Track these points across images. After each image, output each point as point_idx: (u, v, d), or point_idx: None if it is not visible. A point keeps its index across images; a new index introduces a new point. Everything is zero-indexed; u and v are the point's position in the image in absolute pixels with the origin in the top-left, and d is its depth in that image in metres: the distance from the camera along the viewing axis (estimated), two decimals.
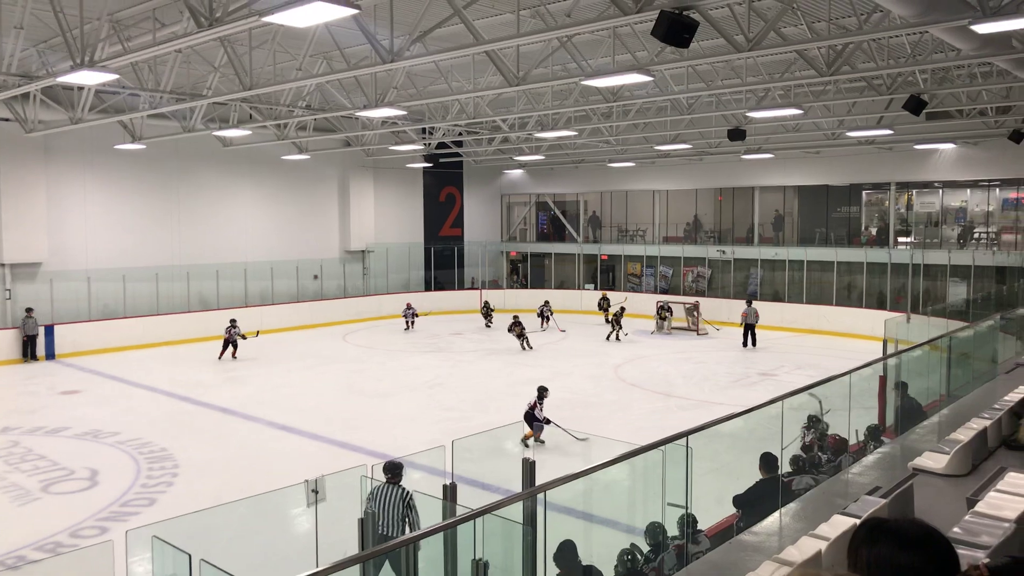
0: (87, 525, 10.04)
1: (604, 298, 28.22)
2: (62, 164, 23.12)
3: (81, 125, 17.96)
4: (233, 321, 21.78)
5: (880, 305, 25.12)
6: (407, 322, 26.84)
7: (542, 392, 13.26)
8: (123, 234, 24.52)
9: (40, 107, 18.78)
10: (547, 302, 27.45)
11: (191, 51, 14.76)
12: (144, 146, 21.77)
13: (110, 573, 5.00)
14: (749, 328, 23.31)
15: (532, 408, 13.07)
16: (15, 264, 22.18)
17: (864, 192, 28.13)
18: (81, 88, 16.90)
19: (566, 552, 5.60)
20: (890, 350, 16.34)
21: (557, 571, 5.59)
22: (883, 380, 10.19)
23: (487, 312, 27.92)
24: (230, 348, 21.44)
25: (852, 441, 8.80)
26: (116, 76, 12.57)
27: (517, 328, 22.70)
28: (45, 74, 14.25)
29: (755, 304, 23.85)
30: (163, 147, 23.55)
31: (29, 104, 18.68)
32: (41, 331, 21.66)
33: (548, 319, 26.75)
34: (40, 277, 22.63)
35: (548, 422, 12.97)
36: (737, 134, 19.87)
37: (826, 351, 22.25)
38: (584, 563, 5.88)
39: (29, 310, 21.54)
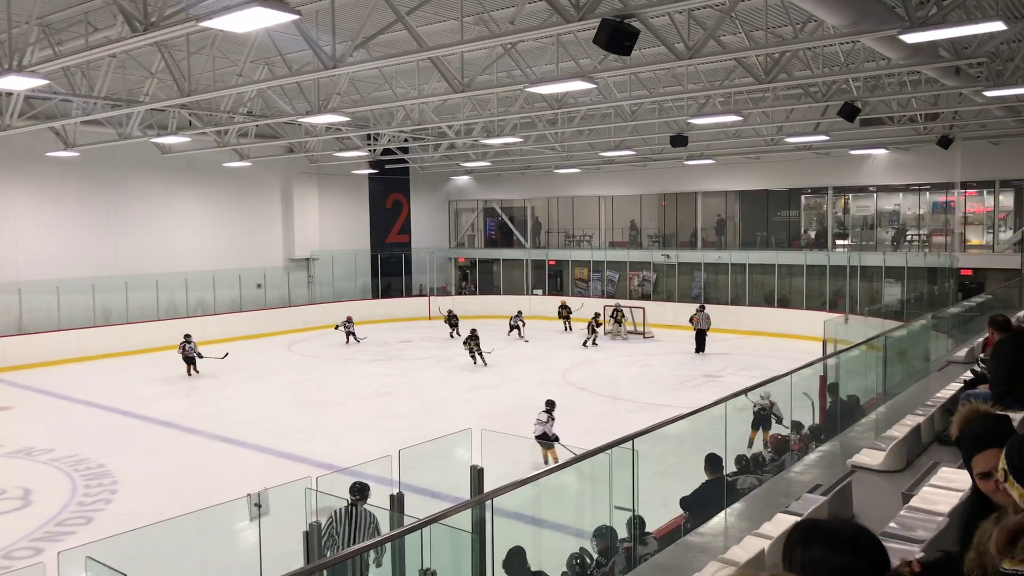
0: (20, 547, 9.66)
1: (564, 306, 28.16)
2: None
3: (10, 132, 17.33)
4: (187, 337, 20.66)
5: (819, 306, 25.78)
6: (348, 336, 25.39)
7: (551, 406, 12.91)
8: (57, 244, 23.70)
9: None
10: (520, 312, 26.83)
11: (126, 56, 14.38)
12: (78, 154, 21.11)
13: None
14: (700, 334, 23.19)
15: (545, 424, 12.64)
16: None
17: (803, 196, 28.87)
18: (10, 94, 16.32)
19: (515, 558, 5.60)
20: (829, 350, 16.77)
21: None
22: (823, 380, 10.45)
23: (452, 321, 26.98)
24: (351, 337, 22.89)
25: (792, 441, 9.00)
26: (47, 81, 12.16)
27: (472, 342, 21.37)
28: None
29: (707, 309, 24.05)
30: (99, 154, 22.85)
31: None
32: None
33: (520, 329, 26.17)
34: None
35: (557, 439, 12.58)
36: (679, 140, 20.19)
37: (769, 352, 22.71)
38: (533, 569, 5.88)
39: None
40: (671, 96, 16.84)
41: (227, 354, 21.11)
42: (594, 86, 13.07)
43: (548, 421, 12.70)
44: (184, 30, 9.28)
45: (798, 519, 4.30)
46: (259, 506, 5.77)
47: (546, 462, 12.27)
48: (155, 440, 14.63)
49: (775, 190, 28.65)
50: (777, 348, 23.44)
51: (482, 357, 21.07)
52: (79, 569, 4.92)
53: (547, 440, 12.39)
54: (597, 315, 25.43)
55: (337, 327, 25.70)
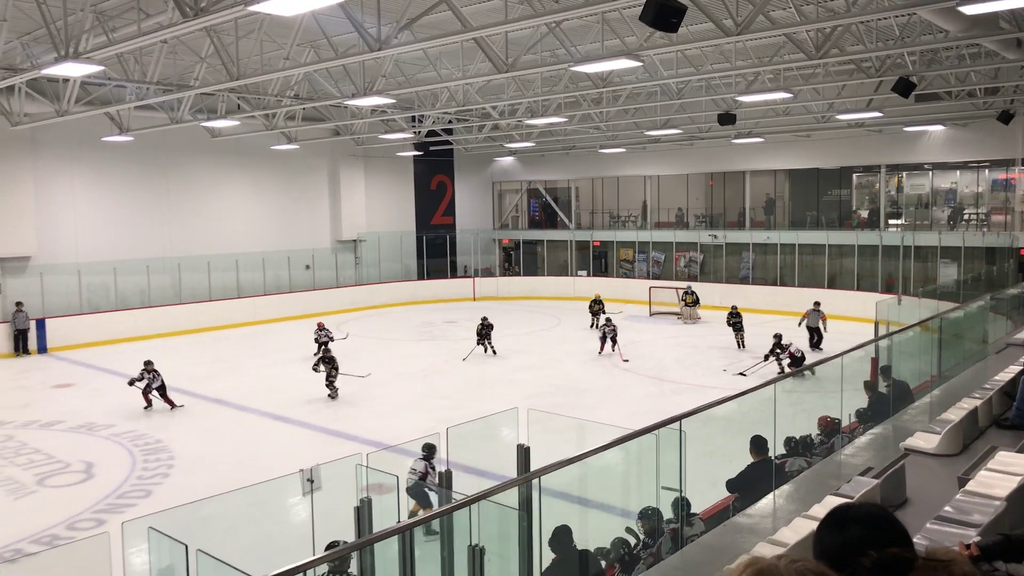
0: (84, 518, 10.04)
1: (597, 300, 24.84)
2: (49, 157, 22.94)
3: (67, 117, 17.82)
4: (321, 325, 19.46)
5: (871, 287, 25.22)
6: (320, 347, 18.54)
7: (430, 452, 9.65)
8: (112, 227, 24.39)
9: (26, 100, 18.64)
10: (598, 297, 24.70)
11: (177, 41, 14.65)
12: (132, 138, 21.63)
13: (107, 565, 5.01)
14: (813, 332, 20.37)
15: (423, 476, 9.31)
16: (4, 258, 22.05)
17: (854, 175, 28.19)
18: (66, 80, 16.76)
19: (561, 537, 5.64)
20: (881, 332, 16.42)
21: (553, 556, 5.63)
22: (875, 362, 10.25)
23: (598, 308, 24.19)
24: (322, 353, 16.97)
25: (844, 422, 8.86)
26: (101, 68, 12.45)
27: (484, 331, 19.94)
28: (29, 67, 14.13)
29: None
30: (151, 139, 23.39)
31: (14, 97, 18.53)
32: (32, 325, 21.56)
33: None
34: (29, 271, 22.50)
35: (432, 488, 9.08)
36: (727, 118, 19.84)
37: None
38: (579, 548, 5.92)
39: (19, 304, 21.43)
40: (719, 73, 16.53)
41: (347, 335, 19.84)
42: (640, 64, 12.90)
43: (427, 471, 9.37)
44: (233, 14, 9.40)
45: (848, 501, 4.25)
46: (311, 481, 5.91)
47: (411, 515, 8.64)
48: (209, 417, 15.03)
49: (826, 168, 28.01)
50: (828, 329, 22.99)
51: (492, 347, 20.00)
52: (142, 539, 5.11)
53: (422, 491, 9.24)
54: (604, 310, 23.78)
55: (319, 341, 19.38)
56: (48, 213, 23.01)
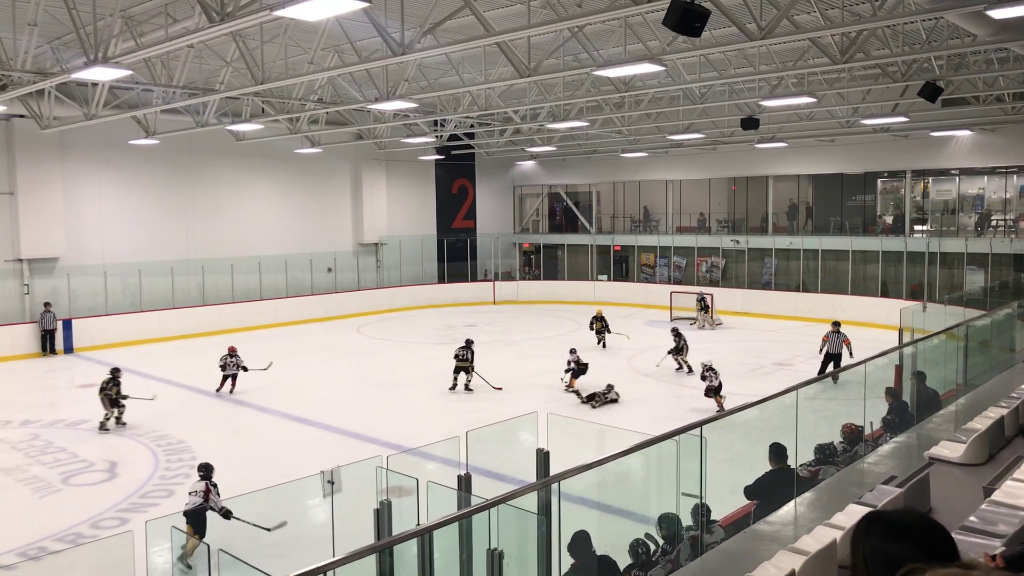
0: (107, 516, 10.17)
1: (599, 318, 22.01)
2: (78, 160, 23.29)
3: (96, 121, 18.09)
4: (232, 350, 17.08)
5: (896, 294, 24.94)
6: (226, 381, 16.92)
7: (208, 472, 9.11)
8: (138, 228, 24.71)
9: (55, 103, 18.94)
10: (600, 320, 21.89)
11: (203, 46, 14.82)
12: (158, 141, 21.91)
13: (130, 563, 5.07)
14: (832, 358, 17.02)
15: (206, 496, 8.53)
16: (33, 259, 22.40)
17: (879, 180, 27.91)
18: (95, 84, 17.02)
19: (580, 542, 5.62)
20: (906, 339, 16.23)
21: (572, 561, 5.61)
22: (899, 369, 10.14)
23: (600, 326, 21.74)
24: (229, 382, 16.78)
25: (867, 430, 8.76)
26: (129, 72, 12.66)
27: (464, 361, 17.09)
28: (59, 71, 14.34)
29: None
30: (177, 142, 23.69)
31: (44, 100, 18.84)
32: (59, 325, 21.88)
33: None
34: (57, 272, 22.85)
35: (228, 516, 8.34)
36: (750, 123, 19.74)
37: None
38: (598, 553, 5.90)
39: (47, 304, 21.76)
40: (742, 78, 16.47)
41: (270, 364, 17.72)
42: (662, 68, 12.86)
43: (208, 490, 8.65)
44: (258, 19, 9.50)
45: (872, 510, 4.21)
46: (332, 483, 5.94)
47: (184, 546, 7.46)
48: (231, 418, 15.16)
49: (850, 174, 27.76)
50: (850, 336, 22.74)
51: (468, 380, 16.88)
52: (164, 538, 5.17)
53: (202, 515, 8.33)
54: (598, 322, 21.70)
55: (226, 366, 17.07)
56: (76, 215, 23.35)
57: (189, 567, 7.09)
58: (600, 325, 21.60)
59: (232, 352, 16.90)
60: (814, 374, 16.69)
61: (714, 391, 14.75)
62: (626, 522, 7.50)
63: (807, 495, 5.96)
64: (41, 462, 12.40)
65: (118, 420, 14.27)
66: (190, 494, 8.73)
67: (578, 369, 16.72)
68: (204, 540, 5.75)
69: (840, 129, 23.79)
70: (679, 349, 18.24)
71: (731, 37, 12.69)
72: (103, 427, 14.14)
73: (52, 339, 21.69)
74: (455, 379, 16.83)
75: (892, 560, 1.99)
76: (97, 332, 22.58)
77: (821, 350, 16.99)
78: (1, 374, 19.34)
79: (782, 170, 29.02)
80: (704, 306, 25.67)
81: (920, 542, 2.05)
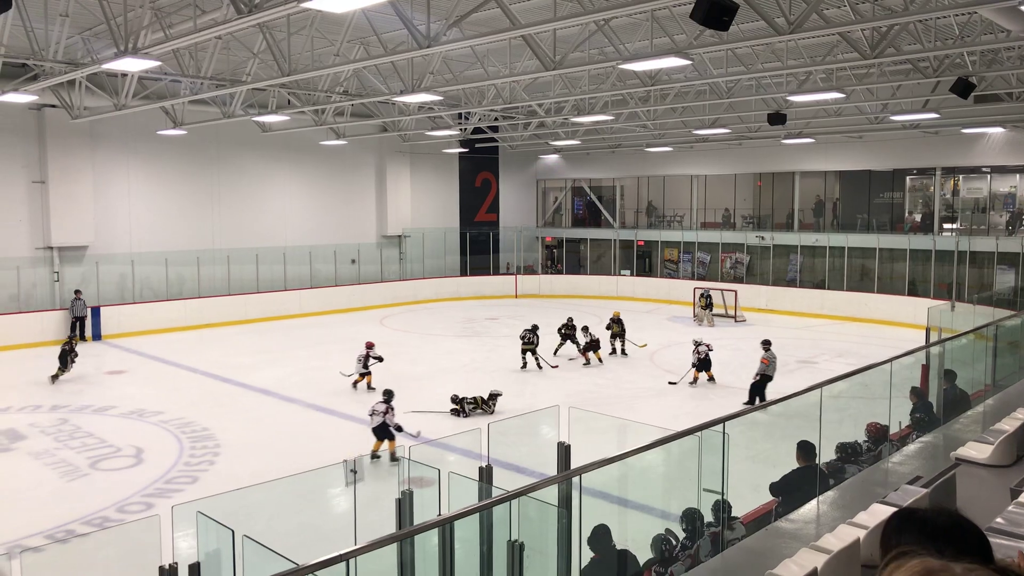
0: (133, 501, 10.32)
1: (617, 320, 20.31)
2: (107, 150, 23.60)
3: (125, 111, 18.30)
4: (370, 345, 16.55)
5: (924, 293, 24.63)
6: (362, 376, 16.45)
7: (389, 396, 11.90)
8: (165, 218, 25.01)
9: (86, 94, 19.18)
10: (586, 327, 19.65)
11: (231, 37, 14.93)
12: (185, 132, 22.13)
13: (157, 547, 5.15)
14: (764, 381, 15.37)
15: (384, 415, 11.55)
16: (63, 247, 22.75)
17: (908, 177, 27.54)
18: (125, 75, 17.21)
19: (600, 536, 5.62)
20: (933, 338, 16.03)
21: (591, 554, 5.62)
22: (926, 369, 10.02)
23: (618, 330, 20.16)
24: (365, 378, 16.27)
25: (893, 430, 8.67)
26: (158, 63, 12.81)
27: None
28: (90, 61, 14.53)
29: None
30: (204, 133, 23.91)
31: (75, 91, 19.08)
32: (88, 312, 22.21)
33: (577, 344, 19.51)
34: (87, 260, 23.20)
35: (400, 430, 11.70)
36: (777, 118, 19.54)
37: (867, 339, 21.90)
38: (618, 547, 5.89)
39: (77, 292, 22.10)
40: (769, 72, 16.29)
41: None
42: (689, 62, 12.78)
43: (387, 411, 11.61)
44: (285, 11, 9.56)
45: (904, 508, 4.17)
46: (354, 472, 5.99)
47: (375, 455, 10.89)
48: (254, 406, 15.32)
49: (878, 170, 27.41)
50: (876, 335, 22.58)
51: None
52: (189, 523, 5.24)
53: (386, 431, 11.45)
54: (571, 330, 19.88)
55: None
56: (105, 204, 23.68)
57: (396, 459, 10.29)
58: (617, 328, 20.07)
59: (370, 346, 16.50)
60: (838, 372, 16.51)
61: (703, 366, 16.36)
62: (646, 517, 7.49)
63: (830, 493, 5.92)
64: (69, 446, 12.62)
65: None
66: (371, 415, 11.63)
67: (590, 343, 18.02)
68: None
69: (869, 125, 23.48)
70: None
71: (759, 31, 12.58)
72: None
73: (82, 326, 22.02)
74: (524, 360, 18.23)
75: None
76: (124, 320, 22.90)
77: (758, 374, 15.18)
78: (32, 360, 19.69)
79: (809, 166, 28.72)
80: (708, 303, 25.52)
81: (953, 541, 2.02)
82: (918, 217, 27.28)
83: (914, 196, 27.88)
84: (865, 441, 8.06)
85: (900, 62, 16.10)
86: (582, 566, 5.53)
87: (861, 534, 4.17)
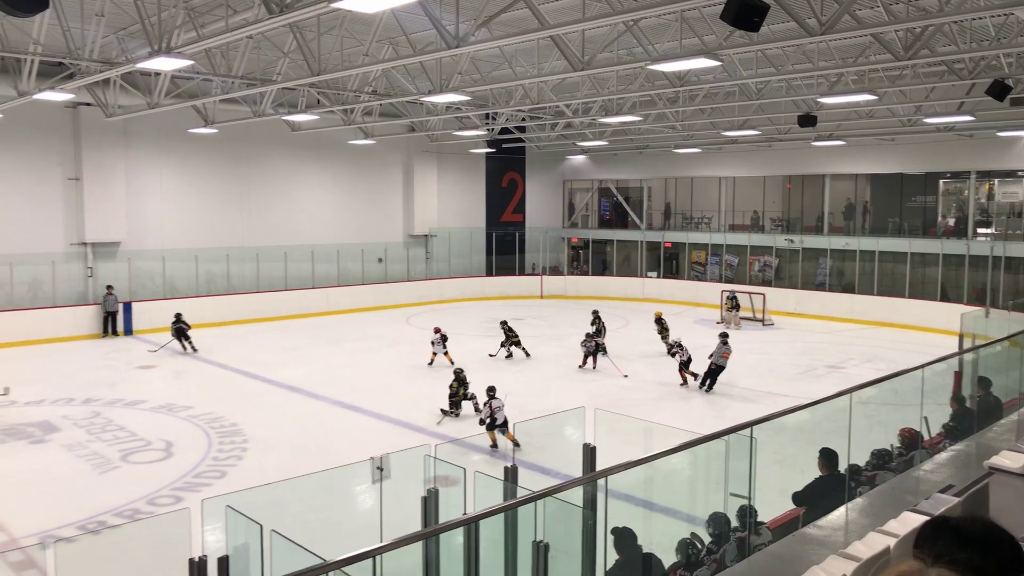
0: (163, 494, 10.48)
1: (659, 320, 21.09)
2: (140, 148, 23.96)
3: (158, 110, 18.57)
4: (437, 329, 18.91)
5: (956, 299, 24.23)
6: (435, 356, 18.72)
7: (492, 391, 12.68)
8: (196, 215, 25.34)
9: (120, 92, 19.48)
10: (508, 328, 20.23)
11: (262, 37, 15.08)
12: (216, 130, 22.39)
13: (187, 540, 5.22)
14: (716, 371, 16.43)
15: (492, 412, 12.33)
16: (96, 243, 23.14)
17: (941, 181, 27.11)
18: (158, 74, 17.45)
19: (625, 538, 5.60)
20: (967, 345, 15.77)
21: (616, 557, 5.60)
22: (958, 376, 9.86)
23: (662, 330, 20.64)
24: (436, 356, 18.51)
25: (925, 437, 8.54)
26: (191, 62, 12.96)
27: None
28: (124, 60, 14.76)
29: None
30: (234, 131, 24.18)
31: (109, 89, 19.39)
32: (120, 308, 22.57)
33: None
34: (119, 256, 23.58)
35: (483, 423, 12.50)
36: (808, 120, 19.34)
37: (897, 344, 21.59)
38: (644, 550, 5.87)
39: (109, 287, 22.47)
40: (800, 74, 16.11)
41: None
42: (719, 63, 12.68)
43: (502, 407, 12.41)
44: (316, 11, 9.63)
45: (939, 516, 4.11)
46: (381, 469, 6.02)
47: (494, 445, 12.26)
48: (282, 403, 15.47)
49: (910, 174, 27.02)
50: (906, 340, 22.25)
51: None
52: (217, 517, 5.31)
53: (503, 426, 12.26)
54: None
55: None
56: (137, 201, 24.05)
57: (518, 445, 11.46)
58: (659, 328, 20.77)
59: (437, 330, 18.96)
60: (868, 378, 16.31)
61: (684, 365, 16.62)
62: (671, 520, 7.45)
63: (859, 500, 5.84)
64: (101, 439, 12.83)
65: None
66: (498, 410, 12.29)
67: (597, 348, 18.23)
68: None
69: (901, 128, 23.15)
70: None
71: (790, 32, 12.45)
72: None
73: (114, 321, 22.39)
74: (509, 351, 19.13)
75: (958, 567, 1.93)
76: (155, 315, 23.20)
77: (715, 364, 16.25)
78: (65, 354, 20.05)
79: (839, 169, 28.38)
80: (734, 305, 25.30)
81: (988, 551, 1.99)
82: (951, 221, 26.84)
83: (947, 200, 27.43)
84: (897, 447, 7.96)
85: (934, 64, 15.84)
86: (607, 568, 5.52)
87: (891, 542, 4.10)
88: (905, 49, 12.55)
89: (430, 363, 18.62)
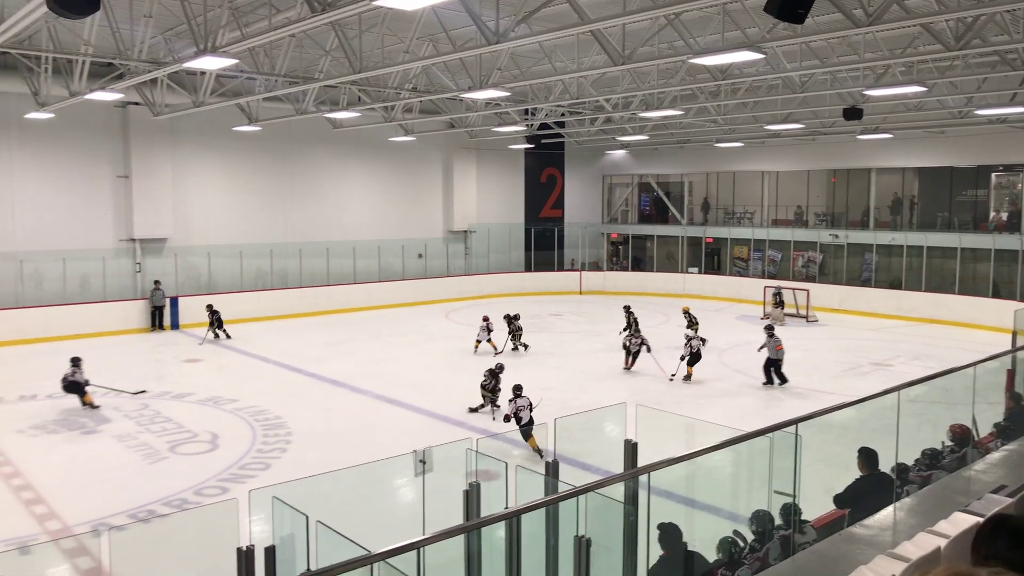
0: (209, 485, 10.70)
1: (686, 313, 21.35)
2: (186, 145, 24.46)
3: (203, 108, 18.92)
4: (485, 318, 20.00)
5: (1009, 295, 23.57)
6: (479, 343, 19.82)
7: (517, 391, 12.58)
8: (240, 212, 25.79)
9: (166, 91, 19.89)
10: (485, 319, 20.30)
11: (304, 36, 15.27)
12: (260, 128, 22.74)
13: (235, 530, 5.33)
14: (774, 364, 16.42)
15: (516, 412, 12.26)
16: (144, 239, 23.69)
17: (993, 174, 26.35)
18: (203, 73, 17.78)
19: (670, 533, 5.57)
20: (1020, 343, 15.35)
21: (660, 553, 5.58)
22: (1011, 374, 9.60)
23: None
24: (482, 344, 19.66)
25: (976, 436, 8.34)
26: (235, 61, 13.17)
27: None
28: (172, 60, 15.06)
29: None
30: (277, 129, 24.55)
31: (157, 89, 19.81)
32: (167, 303, 23.08)
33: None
34: (166, 252, 24.11)
35: (507, 419, 12.47)
36: (853, 113, 18.97)
37: (946, 342, 21.11)
38: (688, 547, 5.83)
39: (157, 282, 22.99)
40: (846, 66, 15.82)
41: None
42: (762, 56, 12.50)
43: (528, 407, 12.34)
44: (358, 9, 9.72)
45: (980, 519, 4.02)
46: (423, 462, 6.08)
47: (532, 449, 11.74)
48: (324, 397, 15.68)
49: (960, 167, 26.33)
50: (956, 338, 21.74)
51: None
52: (262, 508, 5.41)
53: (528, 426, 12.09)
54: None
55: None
56: (183, 198, 24.55)
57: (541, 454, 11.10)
58: (688, 319, 20.82)
59: (485, 318, 20.03)
60: (916, 376, 15.98)
61: (693, 360, 16.60)
62: (713, 518, 7.39)
63: (907, 500, 5.74)
64: (150, 431, 13.15)
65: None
66: (525, 409, 12.27)
67: (641, 345, 17.67)
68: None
69: (951, 120, 22.58)
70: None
71: (835, 23, 12.21)
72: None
73: (161, 315, 22.90)
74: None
75: (1014, 568, 1.90)
76: (201, 310, 23.66)
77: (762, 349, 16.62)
78: (114, 347, 20.57)
79: (886, 162, 27.78)
80: (779, 301, 24.94)
81: None
82: (1004, 216, 26.10)
83: (1000, 194, 26.67)
84: (949, 444, 7.78)
85: (986, 54, 15.42)
86: (649, 564, 5.49)
87: (942, 543, 4.02)
88: (956, 39, 12.23)
89: (475, 350, 19.55)
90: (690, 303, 25.64)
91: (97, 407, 14.42)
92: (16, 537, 8.99)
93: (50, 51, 14.83)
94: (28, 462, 11.63)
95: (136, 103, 21.58)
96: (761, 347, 16.62)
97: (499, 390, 14.15)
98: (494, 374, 14.30)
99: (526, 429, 11.97)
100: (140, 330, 22.66)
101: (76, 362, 14.66)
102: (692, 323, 20.52)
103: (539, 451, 11.40)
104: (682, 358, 16.90)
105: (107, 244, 23.25)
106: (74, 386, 14.44)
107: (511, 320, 20.06)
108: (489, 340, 19.41)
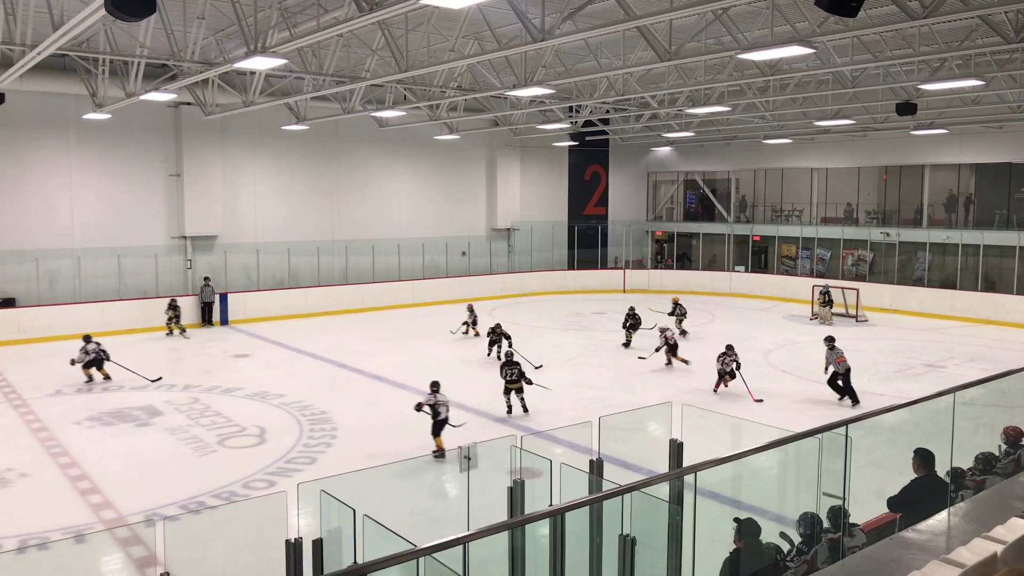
0: (257, 478, 10.91)
1: (676, 303, 22.32)
2: (235, 144, 24.95)
3: (253, 108, 19.26)
4: (470, 307, 22.20)
5: None
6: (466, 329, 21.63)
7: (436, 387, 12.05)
8: (288, 210, 26.23)
9: (217, 91, 20.30)
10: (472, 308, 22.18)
11: (351, 35, 15.45)
12: (307, 127, 23.09)
13: (283, 522, 5.43)
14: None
15: (435, 406, 11.77)
16: (195, 236, 24.23)
17: None
18: (253, 73, 18.10)
19: (750, 529, 5.51)
20: None
21: (735, 546, 5.51)
22: None
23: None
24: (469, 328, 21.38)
25: None
26: (284, 61, 13.38)
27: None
28: (223, 61, 15.35)
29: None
30: (325, 128, 24.90)
31: (208, 89, 20.23)
32: (216, 299, 23.57)
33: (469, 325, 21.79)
34: (216, 249, 24.63)
35: (419, 408, 11.99)
36: (907, 108, 18.51)
37: (1003, 343, 20.49)
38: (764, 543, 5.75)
39: (207, 279, 23.49)
40: (899, 60, 15.42)
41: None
42: (812, 51, 12.27)
43: (447, 406, 11.96)
44: (404, 8, 9.79)
45: None
46: (468, 459, 6.11)
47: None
48: (370, 392, 15.86)
49: (1019, 163, 25.50)
50: (1013, 339, 21.08)
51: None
52: (309, 501, 5.50)
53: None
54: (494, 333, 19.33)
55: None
56: (232, 196, 25.05)
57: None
58: (678, 311, 22.09)
59: (470, 307, 21.80)
60: (970, 378, 15.56)
61: (672, 351, 17.58)
62: (761, 520, 7.30)
63: (962, 505, 5.59)
64: (200, 424, 13.45)
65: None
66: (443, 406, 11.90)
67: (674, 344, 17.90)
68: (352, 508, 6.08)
69: (1010, 114, 21.87)
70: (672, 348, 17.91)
71: (889, 16, 11.94)
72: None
73: (210, 311, 23.39)
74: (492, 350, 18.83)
75: None
76: (249, 306, 24.17)
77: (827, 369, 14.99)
78: (166, 342, 21.08)
79: (940, 158, 27.05)
80: (827, 300, 24.44)
81: None
82: None
83: None
84: (1004, 447, 7.55)
85: None
86: (695, 564, 5.44)
87: (999, 548, 3.92)
88: (1016, 31, 11.84)
89: (464, 332, 21.26)
90: (737, 302, 25.33)
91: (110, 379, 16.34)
92: (73, 525, 9.28)
93: (107, 53, 15.23)
94: (85, 453, 11.99)
95: (188, 103, 22.08)
96: (827, 367, 15.00)
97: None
98: (509, 362, 14.05)
99: (439, 425, 11.65)
100: (191, 325, 23.15)
101: (88, 339, 16.48)
102: (676, 312, 21.67)
103: (442, 452, 11.25)
104: (657, 349, 17.68)
105: (159, 241, 23.85)
106: (97, 361, 16.24)
107: (493, 331, 19.13)
108: (472, 325, 20.79)
